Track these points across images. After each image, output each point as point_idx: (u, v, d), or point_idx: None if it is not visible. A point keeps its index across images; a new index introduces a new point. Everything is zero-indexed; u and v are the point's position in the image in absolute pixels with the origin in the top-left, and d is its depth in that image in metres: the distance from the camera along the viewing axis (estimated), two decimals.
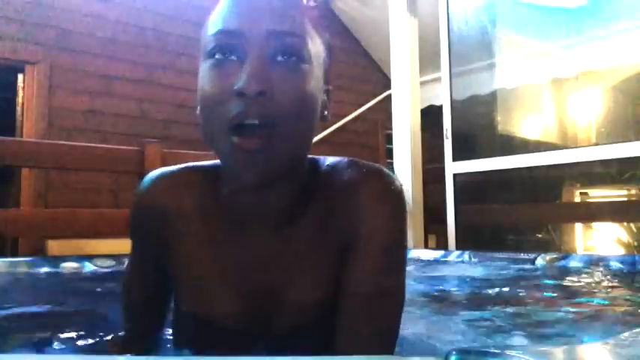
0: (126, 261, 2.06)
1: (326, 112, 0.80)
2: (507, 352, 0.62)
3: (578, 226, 3.65)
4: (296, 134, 0.68)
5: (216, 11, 0.79)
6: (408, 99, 3.75)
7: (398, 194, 0.75)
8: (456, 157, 3.37)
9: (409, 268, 2.30)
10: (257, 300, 0.75)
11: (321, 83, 0.77)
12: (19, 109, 4.16)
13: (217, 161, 0.73)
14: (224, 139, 0.66)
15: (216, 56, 0.69)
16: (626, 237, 3.56)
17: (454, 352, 0.57)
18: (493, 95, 3.75)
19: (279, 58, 0.67)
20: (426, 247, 3.72)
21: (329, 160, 0.80)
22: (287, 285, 0.74)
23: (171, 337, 0.87)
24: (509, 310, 1.33)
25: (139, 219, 0.81)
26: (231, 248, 0.75)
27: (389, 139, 5.19)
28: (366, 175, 0.76)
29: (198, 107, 0.70)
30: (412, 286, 1.63)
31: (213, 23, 0.76)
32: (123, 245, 2.82)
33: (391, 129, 3.94)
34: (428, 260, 2.36)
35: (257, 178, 0.66)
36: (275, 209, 0.73)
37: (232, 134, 0.65)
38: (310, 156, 0.79)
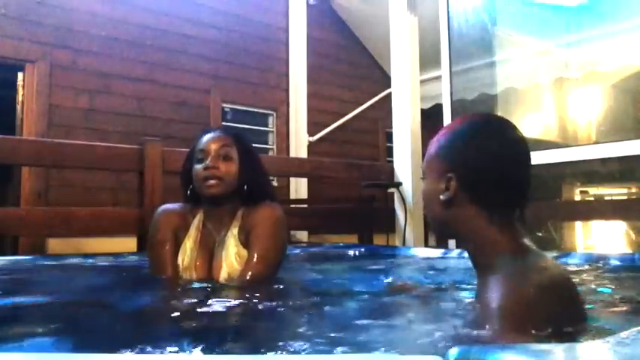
0: (125, 259, 2.05)
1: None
2: (507, 350, 0.62)
3: (579, 225, 3.65)
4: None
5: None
6: (408, 97, 3.75)
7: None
8: None
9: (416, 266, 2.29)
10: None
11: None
12: (19, 107, 4.16)
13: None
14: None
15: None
16: (626, 235, 3.56)
17: (454, 351, 0.57)
18: (493, 93, 3.74)
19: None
20: (427, 245, 3.72)
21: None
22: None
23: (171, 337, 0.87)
24: None
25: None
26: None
27: (389, 137, 5.19)
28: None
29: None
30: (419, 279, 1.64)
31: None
32: (123, 244, 2.83)
33: (391, 127, 3.94)
34: (428, 258, 2.36)
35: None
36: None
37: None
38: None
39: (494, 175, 1.04)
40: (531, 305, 0.91)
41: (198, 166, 1.66)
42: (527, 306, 0.92)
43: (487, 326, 0.95)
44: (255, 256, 1.62)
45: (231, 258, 1.65)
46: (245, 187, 1.70)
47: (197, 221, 1.72)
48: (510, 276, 0.97)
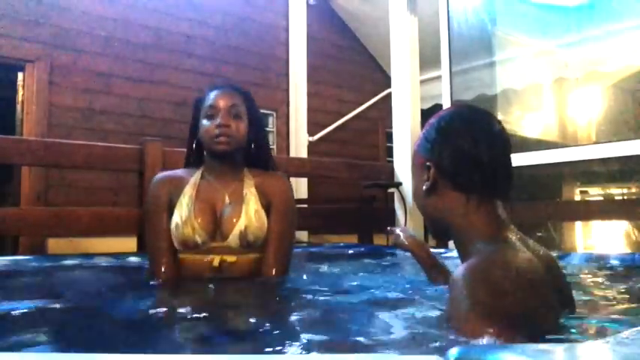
0: (125, 259, 2.05)
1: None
2: (507, 350, 0.62)
3: (578, 225, 3.65)
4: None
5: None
6: (408, 97, 3.75)
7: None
8: None
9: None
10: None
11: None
12: (19, 107, 4.16)
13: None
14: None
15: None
16: (626, 235, 3.56)
17: (454, 351, 0.57)
18: (493, 93, 3.75)
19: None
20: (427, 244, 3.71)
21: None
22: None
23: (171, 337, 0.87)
24: None
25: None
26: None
27: (389, 137, 5.19)
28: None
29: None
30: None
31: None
32: (123, 244, 2.83)
33: (391, 127, 3.94)
34: None
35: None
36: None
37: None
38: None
39: (469, 161, 1.06)
40: (492, 290, 0.90)
41: (208, 123, 1.64)
42: (485, 290, 0.90)
43: (448, 310, 0.95)
44: (278, 245, 1.67)
45: (251, 213, 1.64)
46: (252, 145, 1.72)
47: (194, 179, 1.69)
48: (475, 260, 0.97)
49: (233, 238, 1.61)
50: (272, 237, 1.66)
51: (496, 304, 0.89)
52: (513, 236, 1.05)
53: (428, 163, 1.10)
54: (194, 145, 1.73)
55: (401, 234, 1.61)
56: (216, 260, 1.60)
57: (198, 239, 1.60)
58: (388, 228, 1.66)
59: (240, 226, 1.61)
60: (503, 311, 0.88)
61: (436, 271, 1.53)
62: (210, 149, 1.67)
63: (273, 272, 1.65)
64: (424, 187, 1.12)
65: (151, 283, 1.64)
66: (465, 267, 0.95)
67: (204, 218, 1.62)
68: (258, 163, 1.77)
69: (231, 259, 1.62)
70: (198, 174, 1.71)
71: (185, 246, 1.62)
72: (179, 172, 1.76)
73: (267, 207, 1.69)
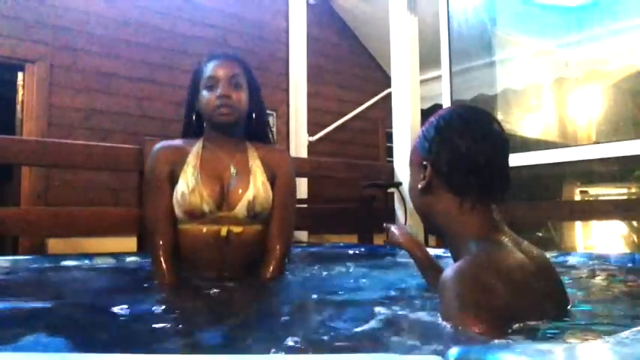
0: (125, 259, 2.05)
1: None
2: (507, 350, 0.62)
3: (578, 225, 3.65)
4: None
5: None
6: (408, 97, 3.75)
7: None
8: None
9: None
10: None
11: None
12: (18, 107, 4.16)
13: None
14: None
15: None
16: (626, 235, 3.56)
17: (454, 351, 0.57)
18: (493, 93, 3.74)
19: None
20: (427, 245, 3.71)
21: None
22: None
23: (171, 337, 0.87)
24: None
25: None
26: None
27: (389, 137, 5.18)
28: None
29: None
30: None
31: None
32: (123, 244, 2.82)
33: (391, 127, 3.93)
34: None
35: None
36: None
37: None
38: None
39: (466, 164, 1.06)
40: (481, 290, 0.90)
41: (209, 94, 1.63)
42: (474, 290, 0.90)
43: (440, 310, 0.95)
44: (282, 218, 1.68)
45: (259, 184, 1.64)
46: (254, 115, 1.72)
47: (196, 149, 1.67)
48: (464, 261, 0.97)
49: (241, 208, 1.60)
50: (277, 210, 1.67)
51: (485, 305, 0.89)
52: (506, 237, 1.05)
53: (425, 163, 1.10)
54: (193, 117, 1.71)
55: (396, 231, 1.60)
56: (224, 230, 1.58)
57: (206, 208, 1.57)
58: (384, 225, 1.65)
59: (248, 196, 1.61)
60: (492, 311, 0.89)
61: (433, 273, 1.51)
62: (211, 120, 1.65)
63: (278, 247, 1.65)
64: (419, 186, 1.12)
65: (151, 283, 1.64)
66: (454, 267, 0.96)
67: (211, 187, 1.60)
68: (258, 134, 1.76)
69: (237, 229, 1.60)
70: (199, 144, 1.69)
71: (191, 215, 1.58)
72: (178, 141, 1.73)
73: (271, 180, 1.69)
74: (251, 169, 1.66)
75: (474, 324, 0.85)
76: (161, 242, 1.59)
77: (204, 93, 1.64)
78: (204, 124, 1.72)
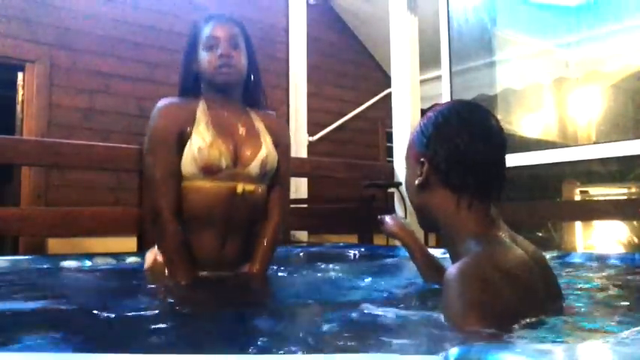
0: (126, 260, 2.05)
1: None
2: (507, 350, 0.62)
3: (579, 225, 3.65)
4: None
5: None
6: (408, 97, 3.75)
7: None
8: None
9: None
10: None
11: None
12: (18, 107, 4.16)
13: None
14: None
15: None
16: (626, 235, 3.56)
17: (454, 351, 0.57)
18: (493, 93, 3.74)
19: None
20: (427, 245, 3.71)
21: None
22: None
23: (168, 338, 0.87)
24: None
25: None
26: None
27: (389, 137, 5.18)
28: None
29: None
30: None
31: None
32: (123, 244, 2.82)
33: (391, 127, 3.93)
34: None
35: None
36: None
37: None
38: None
39: (464, 162, 1.05)
40: (485, 288, 0.90)
41: (209, 54, 1.62)
42: (478, 289, 0.90)
43: (443, 310, 0.95)
44: (283, 185, 1.76)
45: (269, 145, 1.69)
46: (252, 77, 1.74)
47: (202, 107, 1.66)
48: (466, 260, 0.97)
49: (255, 166, 1.63)
50: (277, 178, 1.73)
51: (489, 303, 0.89)
52: (503, 234, 1.05)
53: (422, 159, 1.09)
54: (191, 78, 1.73)
55: (390, 221, 1.59)
56: (240, 187, 1.60)
57: (224, 163, 1.58)
58: (379, 217, 1.63)
59: (262, 154, 1.64)
60: (497, 309, 0.89)
61: (428, 267, 1.50)
62: (212, 80, 1.64)
63: (276, 213, 1.72)
64: (416, 182, 1.11)
65: (150, 285, 1.64)
66: (458, 266, 0.95)
67: (226, 144, 1.60)
68: (254, 97, 1.78)
69: (249, 187, 1.63)
70: (202, 103, 1.67)
71: (207, 171, 1.57)
72: (181, 99, 1.72)
73: (274, 146, 1.73)
74: (259, 131, 1.70)
75: (479, 323, 0.85)
76: (167, 204, 1.56)
77: (204, 53, 1.64)
78: (202, 86, 1.70)
